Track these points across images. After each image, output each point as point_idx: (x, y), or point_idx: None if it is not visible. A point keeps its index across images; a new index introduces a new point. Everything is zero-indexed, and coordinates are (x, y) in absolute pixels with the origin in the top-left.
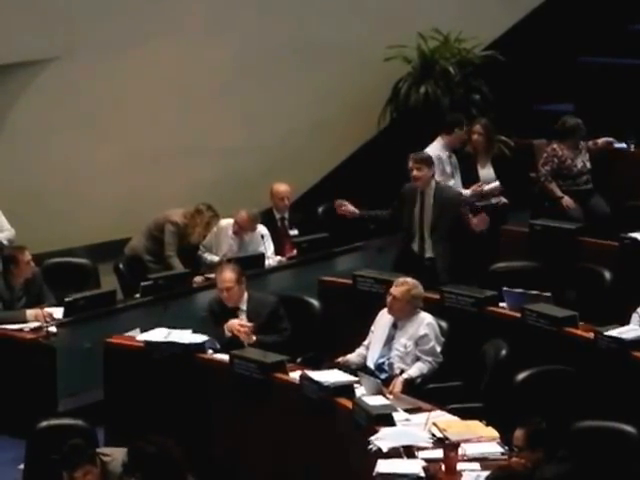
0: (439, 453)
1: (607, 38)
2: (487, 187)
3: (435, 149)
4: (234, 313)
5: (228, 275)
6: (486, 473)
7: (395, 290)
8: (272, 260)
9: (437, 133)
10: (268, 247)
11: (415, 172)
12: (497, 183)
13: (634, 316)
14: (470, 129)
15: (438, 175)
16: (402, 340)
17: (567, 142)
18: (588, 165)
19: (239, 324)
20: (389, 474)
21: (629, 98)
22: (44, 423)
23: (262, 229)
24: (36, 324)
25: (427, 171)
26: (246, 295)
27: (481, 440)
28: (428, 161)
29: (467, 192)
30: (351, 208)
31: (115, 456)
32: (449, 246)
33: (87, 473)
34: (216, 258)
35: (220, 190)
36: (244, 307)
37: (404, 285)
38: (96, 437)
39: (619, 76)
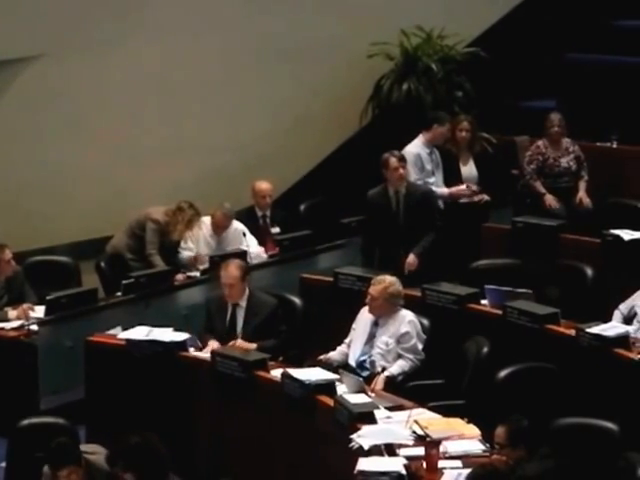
0: (420, 451)
1: (592, 34)
2: (459, 191)
3: (415, 146)
4: (231, 320)
5: (233, 272)
6: (467, 471)
7: (372, 289)
8: (255, 249)
9: (419, 130)
10: (250, 240)
11: (401, 171)
12: (464, 186)
13: (616, 313)
14: (455, 126)
15: (418, 172)
16: (383, 338)
17: (546, 137)
18: (573, 168)
19: (234, 344)
20: (370, 472)
21: (613, 95)
22: (26, 421)
23: (239, 225)
24: (18, 323)
25: (407, 169)
26: (247, 292)
27: (463, 438)
28: (406, 159)
29: (444, 191)
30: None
31: (99, 453)
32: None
33: (71, 473)
34: (191, 253)
35: (202, 188)
36: (243, 304)
37: (381, 283)
38: (77, 435)
39: (603, 73)
